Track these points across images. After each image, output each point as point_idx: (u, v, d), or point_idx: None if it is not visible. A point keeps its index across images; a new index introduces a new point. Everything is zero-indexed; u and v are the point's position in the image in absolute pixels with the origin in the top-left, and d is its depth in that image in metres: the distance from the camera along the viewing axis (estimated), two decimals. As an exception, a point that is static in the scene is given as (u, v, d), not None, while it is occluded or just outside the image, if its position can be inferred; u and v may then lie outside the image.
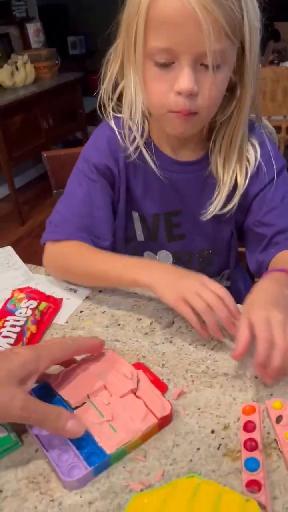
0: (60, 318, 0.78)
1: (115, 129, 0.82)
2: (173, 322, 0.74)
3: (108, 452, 0.53)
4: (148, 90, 0.72)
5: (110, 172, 0.84)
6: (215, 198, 0.81)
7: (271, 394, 0.60)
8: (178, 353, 0.68)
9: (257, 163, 0.80)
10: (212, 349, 0.68)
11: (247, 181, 0.80)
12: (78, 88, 3.60)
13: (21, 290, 0.81)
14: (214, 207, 0.81)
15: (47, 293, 0.81)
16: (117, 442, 0.53)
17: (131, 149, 0.80)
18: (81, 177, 0.85)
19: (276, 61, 2.88)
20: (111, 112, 0.82)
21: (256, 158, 0.80)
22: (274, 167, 0.81)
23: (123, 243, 0.92)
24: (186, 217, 0.86)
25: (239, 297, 0.67)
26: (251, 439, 0.53)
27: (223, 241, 0.90)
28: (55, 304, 0.80)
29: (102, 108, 0.82)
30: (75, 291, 0.84)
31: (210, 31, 0.60)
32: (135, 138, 0.80)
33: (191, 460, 0.54)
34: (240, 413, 0.58)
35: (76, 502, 0.51)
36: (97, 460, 0.52)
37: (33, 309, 0.76)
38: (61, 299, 0.81)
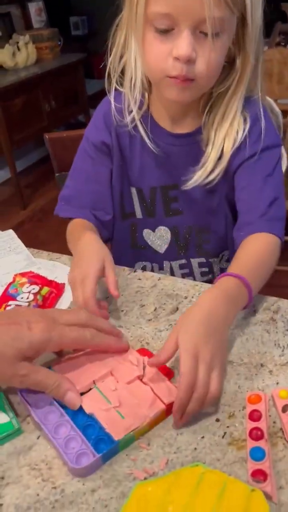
0: (63, 303, 0.77)
1: (112, 103, 0.83)
2: (177, 309, 0.73)
3: (116, 438, 0.52)
4: (147, 54, 0.72)
5: (107, 147, 0.87)
6: (200, 168, 0.80)
7: (277, 383, 0.59)
8: (182, 340, 0.67)
9: (244, 135, 0.78)
10: (217, 337, 0.67)
11: (231, 152, 0.79)
12: (80, 70, 3.54)
13: (23, 274, 0.79)
14: (198, 177, 0.80)
15: (50, 277, 0.80)
16: (125, 428, 0.53)
17: (127, 122, 0.82)
18: (84, 155, 0.90)
19: (283, 43, 2.82)
20: (115, 85, 0.82)
21: (244, 130, 0.78)
22: (262, 142, 0.79)
23: (120, 220, 0.92)
24: (182, 191, 0.85)
25: None
26: (257, 428, 0.52)
27: (220, 219, 0.89)
28: (58, 289, 0.78)
29: (108, 82, 0.83)
30: (77, 276, 0.82)
31: None
32: (132, 111, 0.81)
33: (195, 448, 0.53)
34: (245, 401, 0.57)
35: (78, 490, 0.50)
36: (105, 447, 0.51)
37: (35, 294, 0.75)
38: (64, 284, 0.79)
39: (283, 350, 0.64)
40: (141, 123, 0.82)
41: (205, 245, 0.92)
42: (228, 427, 0.55)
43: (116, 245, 0.96)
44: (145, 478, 0.50)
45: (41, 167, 3.61)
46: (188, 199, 0.87)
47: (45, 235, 2.23)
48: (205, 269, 0.94)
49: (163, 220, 0.90)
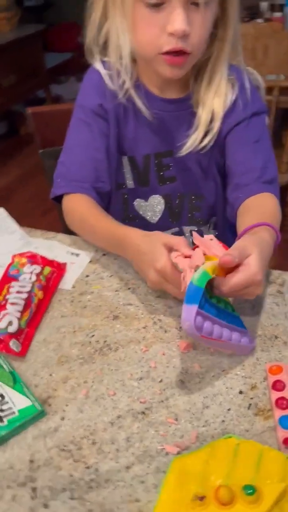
0: (66, 283, 0.75)
1: (103, 71, 0.82)
2: (185, 285, 0.73)
3: None
4: (138, 32, 0.71)
5: (104, 111, 0.84)
6: (193, 133, 0.81)
7: (293, 353, 0.61)
8: (194, 316, 0.67)
9: (234, 98, 0.80)
10: (228, 311, 0.68)
11: (222, 114, 0.80)
12: (39, 42, 3.39)
13: (21, 255, 0.77)
14: (192, 141, 0.81)
15: (49, 257, 0.77)
16: None
17: (120, 92, 0.81)
18: (79, 124, 0.86)
19: (247, 19, 2.81)
20: (98, 57, 0.82)
21: (233, 93, 0.80)
22: (252, 107, 0.81)
23: (114, 191, 0.90)
24: (176, 159, 0.86)
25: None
26: (283, 398, 0.54)
27: (210, 184, 0.90)
28: (59, 269, 0.76)
29: (89, 52, 0.82)
30: (77, 255, 0.81)
31: None
32: (123, 80, 0.80)
33: (223, 421, 0.54)
34: (265, 372, 0.58)
35: (112, 468, 0.50)
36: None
37: (37, 274, 0.73)
38: (65, 263, 0.78)
39: (294, 322, 0.66)
40: (135, 91, 0.81)
41: (197, 213, 0.92)
42: (252, 398, 0.56)
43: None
44: (178, 453, 0.51)
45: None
46: (181, 165, 0.87)
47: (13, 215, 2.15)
48: None
49: (157, 188, 0.89)
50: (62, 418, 0.55)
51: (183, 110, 0.83)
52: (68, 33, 4.78)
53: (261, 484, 0.44)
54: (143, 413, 0.55)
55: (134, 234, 0.69)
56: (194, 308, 0.51)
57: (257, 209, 0.74)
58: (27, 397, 0.56)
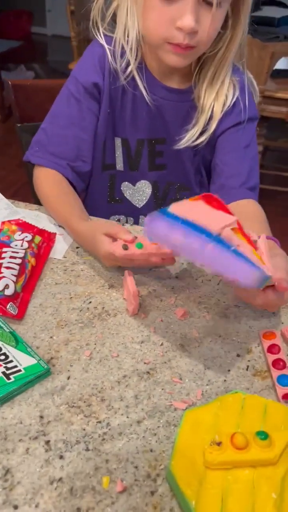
0: (56, 253, 0.75)
1: (106, 46, 0.81)
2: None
3: None
4: (148, 18, 0.72)
5: (98, 90, 0.83)
6: (192, 127, 0.83)
7: (282, 323, 0.65)
8: (187, 287, 0.70)
9: (234, 100, 0.83)
10: (218, 284, 0.71)
11: (221, 115, 0.83)
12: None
13: (10, 221, 0.75)
14: (190, 136, 0.83)
15: (38, 227, 0.77)
16: None
17: (122, 72, 0.80)
18: (69, 97, 0.84)
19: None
20: (102, 31, 0.81)
21: (234, 95, 0.83)
22: (247, 112, 0.85)
23: (99, 170, 0.90)
24: (169, 147, 0.87)
25: None
26: (279, 359, 0.58)
27: (196, 178, 0.93)
28: (49, 238, 0.76)
29: (95, 25, 0.81)
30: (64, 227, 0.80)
31: None
32: (128, 61, 0.79)
33: (224, 380, 0.57)
34: (258, 339, 0.62)
35: (124, 422, 0.51)
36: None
37: (29, 242, 0.72)
38: (55, 234, 0.77)
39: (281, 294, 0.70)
40: (137, 73, 0.81)
41: None
42: (249, 361, 0.59)
43: (91, 198, 0.94)
44: (186, 408, 0.53)
45: None
46: (174, 155, 0.88)
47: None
48: None
49: (146, 174, 0.91)
50: (68, 378, 0.55)
51: (184, 102, 0.84)
52: (19, 20, 4.67)
53: (270, 432, 0.47)
54: (148, 373, 0.56)
55: (79, 225, 0.74)
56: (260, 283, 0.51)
57: (254, 219, 0.77)
58: (31, 356, 0.55)
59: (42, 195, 0.83)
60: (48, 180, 0.83)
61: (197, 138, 0.83)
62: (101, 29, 0.81)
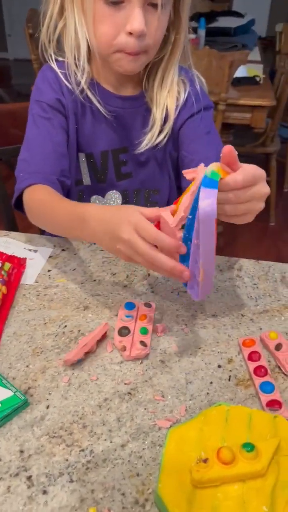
0: (28, 278, 0.73)
1: (58, 70, 0.82)
2: (149, 274, 0.75)
3: None
4: (97, 30, 0.73)
5: (62, 106, 0.84)
6: (149, 130, 0.85)
7: (260, 329, 0.65)
8: (164, 301, 0.69)
9: (186, 95, 0.85)
10: (194, 295, 0.70)
11: (176, 111, 0.85)
12: None
13: (-22, 251, 0.74)
14: (150, 137, 0.85)
15: (7, 253, 0.75)
16: None
17: (76, 90, 0.81)
18: (37, 120, 0.84)
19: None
20: (53, 55, 0.82)
21: (185, 91, 0.85)
22: (202, 102, 0.87)
23: (73, 186, 0.90)
24: (132, 155, 0.89)
25: None
26: (261, 366, 0.57)
27: (165, 177, 0.94)
28: (19, 264, 0.74)
29: (44, 51, 0.82)
30: (35, 251, 0.79)
31: None
32: (79, 80, 0.81)
33: (207, 393, 0.56)
34: (238, 347, 0.62)
35: (108, 448, 0.49)
36: None
37: (-2, 270, 0.70)
38: (25, 259, 0.75)
39: (256, 301, 0.70)
40: (89, 89, 0.82)
41: (153, 207, 0.95)
42: (230, 370, 0.59)
43: None
44: (170, 426, 0.52)
45: None
46: (137, 161, 0.89)
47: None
48: None
49: (114, 184, 0.90)
50: (47, 407, 0.53)
51: (138, 107, 0.86)
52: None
53: (256, 442, 0.46)
54: (130, 393, 0.55)
55: (96, 207, 0.65)
56: (214, 191, 0.50)
57: None
58: (7, 388, 0.54)
59: (37, 206, 0.76)
60: (41, 192, 0.76)
61: (156, 138, 0.85)
62: (51, 53, 0.82)
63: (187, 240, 0.55)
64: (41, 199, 0.76)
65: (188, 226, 0.55)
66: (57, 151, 0.82)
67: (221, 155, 0.53)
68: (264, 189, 0.55)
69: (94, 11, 0.71)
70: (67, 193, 0.87)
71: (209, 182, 0.51)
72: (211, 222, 0.51)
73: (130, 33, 0.70)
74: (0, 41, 5.04)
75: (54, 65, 0.82)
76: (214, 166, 0.53)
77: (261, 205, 0.56)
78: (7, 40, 5.09)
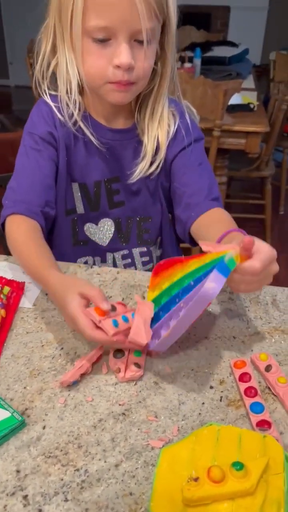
0: (26, 302, 0.75)
1: (52, 104, 0.86)
2: (144, 298, 0.77)
3: None
4: (87, 65, 0.77)
5: (54, 138, 0.87)
6: (141, 160, 0.89)
7: (252, 350, 0.67)
8: (158, 324, 0.71)
9: (176, 127, 0.89)
10: (187, 318, 0.73)
11: (167, 143, 0.89)
12: None
13: (-22, 275, 0.76)
14: (141, 168, 0.88)
15: (6, 277, 0.77)
16: None
17: (69, 123, 0.85)
18: (28, 151, 0.87)
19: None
20: (47, 91, 0.86)
21: (175, 123, 0.89)
22: (192, 135, 0.91)
23: (63, 216, 0.93)
24: (124, 184, 0.92)
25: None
26: (251, 387, 0.59)
27: (157, 206, 0.97)
28: (18, 288, 0.77)
29: (38, 86, 0.86)
30: (34, 275, 0.81)
31: (143, 11, 0.70)
32: (72, 113, 0.85)
33: (199, 413, 0.57)
34: (230, 368, 0.63)
35: (102, 468, 0.51)
36: None
37: (-2, 293, 0.72)
38: (23, 283, 0.78)
39: (248, 323, 0.72)
40: (82, 121, 0.86)
41: (145, 234, 0.98)
42: (222, 391, 0.60)
43: (55, 243, 0.95)
44: (162, 446, 0.53)
45: None
46: (129, 190, 0.92)
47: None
48: (146, 258, 0.99)
49: (107, 212, 0.93)
50: (44, 427, 0.55)
51: (130, 139, 0.89)
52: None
53: (246, 461, 0.48)
54: (124, 414, 0.57)
55: (54, 279, 0.68)
56: (223, 279, 0.55)
57: (222, 222, 0.80)
58: (5, 409, 0.55)
59: (13, 243, 0.81)
60: (20, 227, 0.81)
61: (148, 169, 0.88)
62: (45, 88, 0.86)
63: (175, 298, 0.60)
64: (16, 238, 0.79)
65: (185, 288, 0.60)
66: (44, 183, 0.85)
67: (241, 245, 0.58)
68: (275, 267, 0.60)
69: (83, 49, 0.76)
70: (52, 223, 0.90)
71: (223, 268, 0.55)
72: (205, 302, 0.56)
73: (118, 66, 0.74)
74: (2, 68, 5.17)
75: (48, 99, 0.86)
76: (233, 253, 0.57)
77: (270, 280, 0.62)
78: (8, 67, 5.22)
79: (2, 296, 0.72)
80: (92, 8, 0.71)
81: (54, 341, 0.67)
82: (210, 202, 0.86)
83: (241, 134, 2.05)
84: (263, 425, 0.54)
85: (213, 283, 0.54)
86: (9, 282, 0.76)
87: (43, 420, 0.56)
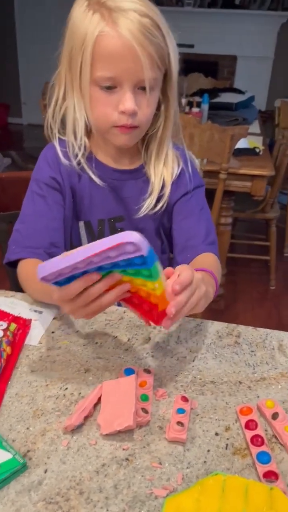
0: (32, 339, 0.75)
1: (58, 147, 0.90)
2: (150, 338, 0.77)
3: None
4: (94, 110, 0.83)
5: (57, 183, 0.91)
6: (149, 196, 0.92)
7: (258, 396, 0.66)
8: (163, 366, 0.71)
9: (179, 170, 0.93)
10: (193, 361, 0.72)
11: (171, 182, 0.93)
12: None
13: (-15, 311, 0.76)
14: (148, 204, 0.92)
15: (13, 314, 0.78)
16: None
17: (74, 164, 0.89)
18: (34, 196, 0.91)
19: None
20: (57, 134, 0.91)
21: (179, 165, 0.93)
22: (193, 182, 0.95)
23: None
24: (128, 223, 0.95)
25: None
26: (257, 436, 0.58)
27: (157, 245, 1.00)
28: (24, 325, 0.77)
29: (49, 129, 0.91)
30: (40, 312, 0.82)
31: (146, 63, 0.75)
32: (77, 154, 0.89)
33: (205, 461, 0.56)
34: (236, 414, 0.62)
35: (104, 516, 0.49)
36: None
37: (4, 330, 0.72)
38: (30, 320, 0.78)
39: (254, 368, 0.71)
40: (86, 164, 0.90)
41: None
42: (228, 439, 0.59)
43: None
44: (166, 495, 0.52)
45: None
46: (134, 228, 0.93)
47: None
48: None
49: None
50: (45, 471, 0.54)
51: (137, 179, 0.93)
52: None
53: (252, 515, 0.47)
54: (127, 459, 0.56)
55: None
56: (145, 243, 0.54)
57: (201, 263, 0.84)
58: (7, 450, 0.54)
59: (25, 280, 0.84)
60: (28, 267, 0.85)
61: (155, 205, 0.92)
62: (55, 131, 0.90)
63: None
64: (28, 275, 0.83)
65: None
66: (49, 227, 0.89)
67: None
68: (201, 289, 0.64)
69: (91, 96, 0.80)
70: None
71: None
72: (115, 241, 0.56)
73: (123, 112, 0.79)
74: (16, 108, 5.36)
75: (57, 143, 0.90)
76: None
77: (200, 301, 0.64)
78: (22, 108, 5.41)
79: (8, 333, 0.72)
80: (100, 60, 0.77)
81: (59, 381, 0.67)
82: (205, 246, 0.90)
83: (247, 177, 2.09)
84: (270, 476, 0.53)
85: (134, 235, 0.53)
86: (16, 319, 0.77)
87: (45, 463, 0.55)
